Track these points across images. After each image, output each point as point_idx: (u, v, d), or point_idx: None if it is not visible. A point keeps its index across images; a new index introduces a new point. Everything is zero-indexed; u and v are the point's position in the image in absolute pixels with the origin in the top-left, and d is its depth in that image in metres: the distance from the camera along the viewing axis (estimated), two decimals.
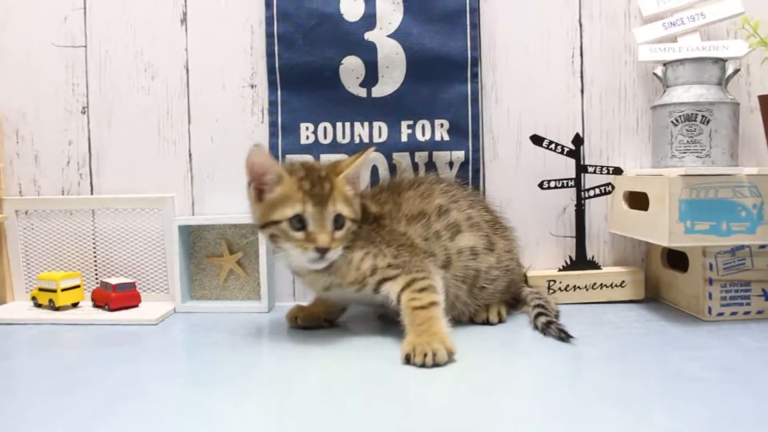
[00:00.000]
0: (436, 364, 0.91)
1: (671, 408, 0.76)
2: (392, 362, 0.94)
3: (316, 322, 1.17)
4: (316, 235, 0.99)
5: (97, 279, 1.40)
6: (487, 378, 0.90)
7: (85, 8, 1.38)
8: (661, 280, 1.32)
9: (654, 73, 1.28)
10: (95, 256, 1.40)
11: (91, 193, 1.41)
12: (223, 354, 1.02)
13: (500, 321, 1.17)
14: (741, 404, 0.77)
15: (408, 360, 0.93)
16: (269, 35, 1.34)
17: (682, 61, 1.22)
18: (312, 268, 1.04)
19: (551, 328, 1.07)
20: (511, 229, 1.24)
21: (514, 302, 1.24)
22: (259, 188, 1.05)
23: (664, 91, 1.26)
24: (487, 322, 1.16)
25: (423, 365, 0.91)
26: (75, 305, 1.32)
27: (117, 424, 0.73)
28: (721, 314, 1.15)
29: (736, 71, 1.22)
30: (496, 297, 1.18)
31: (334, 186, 1.03)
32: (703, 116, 1.19)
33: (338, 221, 1.02)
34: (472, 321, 1.16)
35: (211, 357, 1.00)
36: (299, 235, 1.00)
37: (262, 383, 0.89)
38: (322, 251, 0.99)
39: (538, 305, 1.16)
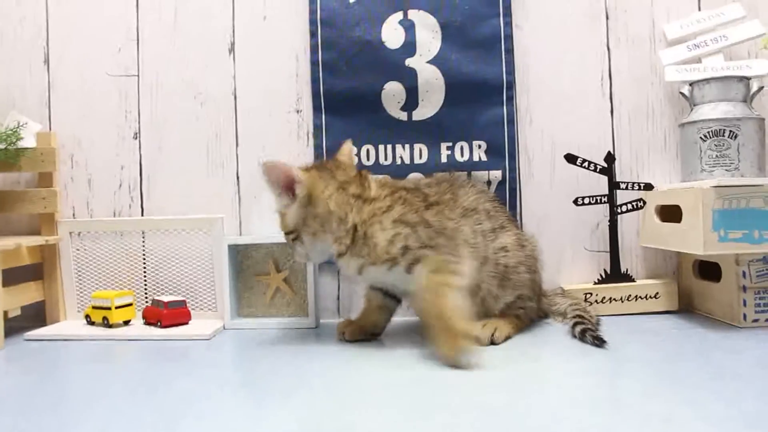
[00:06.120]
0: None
1: (723, 399, 0.80)
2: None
3: (363, 335, 1.22)
4: None
5: (146, 298, 1.44)
6: (542, 377, 0.95)
7: (138, 39, 1.46)
8: (694, 291, 1.36)
9: (681, 93, 1.34)
10: (145, 276, 1.45)
11: (142, 215, 1.46)
12: (280, 363, 1.06)
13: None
14: None
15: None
16: (314, 63, 1.42)
17: (708, 80, 1.28)
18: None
19: (587, 335, 1.12)
20: (532, 240, 1.29)
21: (543, 314, 1.31)
22: None
23: (692, 109, 1.32)
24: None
25: None
26: (126, 323, 1.36)
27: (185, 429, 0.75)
28: (756, 320, 1.20)
29: (761, 88, 1.28)
30: (519, 290, 1.21)
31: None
32: (731, 131, 1.25)
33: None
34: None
35: (269, 367, 1.04)
36: None
37: (328, 384, 0.94)
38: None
39: (576, 315, 1.21)
